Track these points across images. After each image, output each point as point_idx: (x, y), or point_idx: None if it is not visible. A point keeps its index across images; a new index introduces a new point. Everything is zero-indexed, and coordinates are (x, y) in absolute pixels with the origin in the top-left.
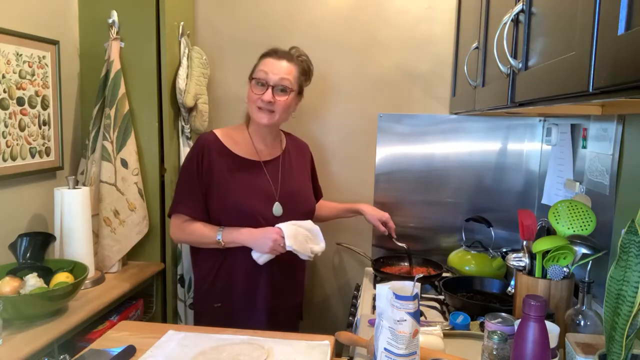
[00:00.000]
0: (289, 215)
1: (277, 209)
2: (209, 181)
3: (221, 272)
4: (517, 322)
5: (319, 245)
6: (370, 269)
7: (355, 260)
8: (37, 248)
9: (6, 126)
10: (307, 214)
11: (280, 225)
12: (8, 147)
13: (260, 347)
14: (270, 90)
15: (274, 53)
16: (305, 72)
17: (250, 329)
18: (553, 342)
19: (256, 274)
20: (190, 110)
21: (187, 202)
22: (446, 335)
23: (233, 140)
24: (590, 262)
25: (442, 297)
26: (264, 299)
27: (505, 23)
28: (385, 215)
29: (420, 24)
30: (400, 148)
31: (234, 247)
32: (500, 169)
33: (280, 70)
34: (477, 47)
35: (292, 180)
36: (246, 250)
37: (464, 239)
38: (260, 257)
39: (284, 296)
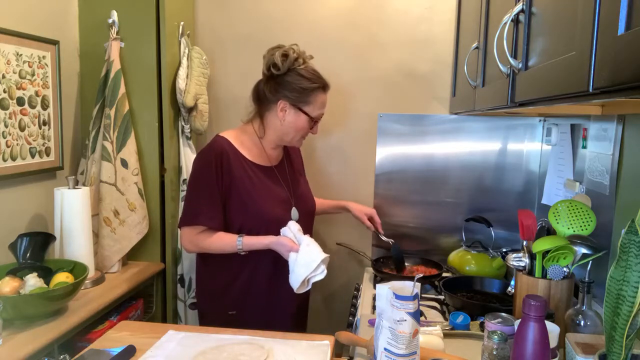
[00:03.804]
0: (303, 217)
1: (294, 213)
2: (228, 188)
3: (239, 280)
4: (517, 322)
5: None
6: (370, 269)
7: (355, 260)
8: (37, 248)
9: (6, 126)
10: (313, 214)
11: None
12: (8, 147)
13: (260, 347)
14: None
15: (326, 87)
16: None
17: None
18: (553, 342)
19: (278, 281)
20: (190, 110)
21: (207, 212)
22: (446, 335)
23: (244, 146)
24: (590, 262)
25: (442, 297)
26: (287, 304)
27: (505, 23)
28: (371, 211)
29: (420, 24)
30: (400, 148)
31: (255, 256)
32: (500, 169)
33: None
34: (477, 47)
35: (298, 182)
36: (268, 259)
37: (464, 239)
38: (298, 285)
39: (304, 298)
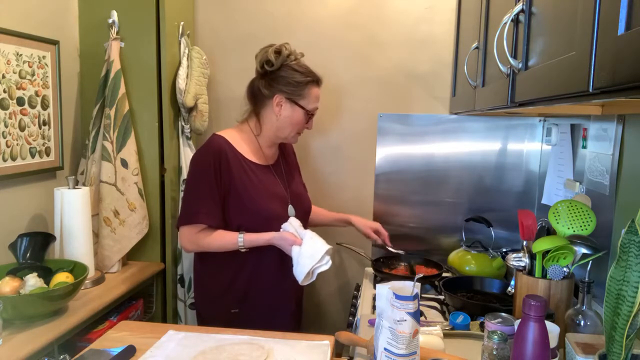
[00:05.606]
0: (299, 215)
1: (291, 211)
2: (227, 186)
3: (240, 279)
4: (517, 322)
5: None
6: (370, 269)
7: (355, 260)
8: (37, 248)
9: (6, 126)
10: (308, 213)
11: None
12: (8, 147)
13: (260, 347)
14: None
15: (319, 81)
16: None
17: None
18: (553, 342)
19: (279, 278)
20: (190, 110)
21: (206, 210)
22: (446, 335)
23: (241, 145)
24: (590, 262)
25: (442, 297)
26: (288, 302)
27: (505, 23)
28: (375, 224)
29: (420, 24)
30: (400, 148)
31: (257, 253)
32: (500, 169)
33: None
34: (477, 47)
35: (294, 180)
36: (268, 256)
37: (464, 239)
38: (303, 277)
39: (301, 295)
